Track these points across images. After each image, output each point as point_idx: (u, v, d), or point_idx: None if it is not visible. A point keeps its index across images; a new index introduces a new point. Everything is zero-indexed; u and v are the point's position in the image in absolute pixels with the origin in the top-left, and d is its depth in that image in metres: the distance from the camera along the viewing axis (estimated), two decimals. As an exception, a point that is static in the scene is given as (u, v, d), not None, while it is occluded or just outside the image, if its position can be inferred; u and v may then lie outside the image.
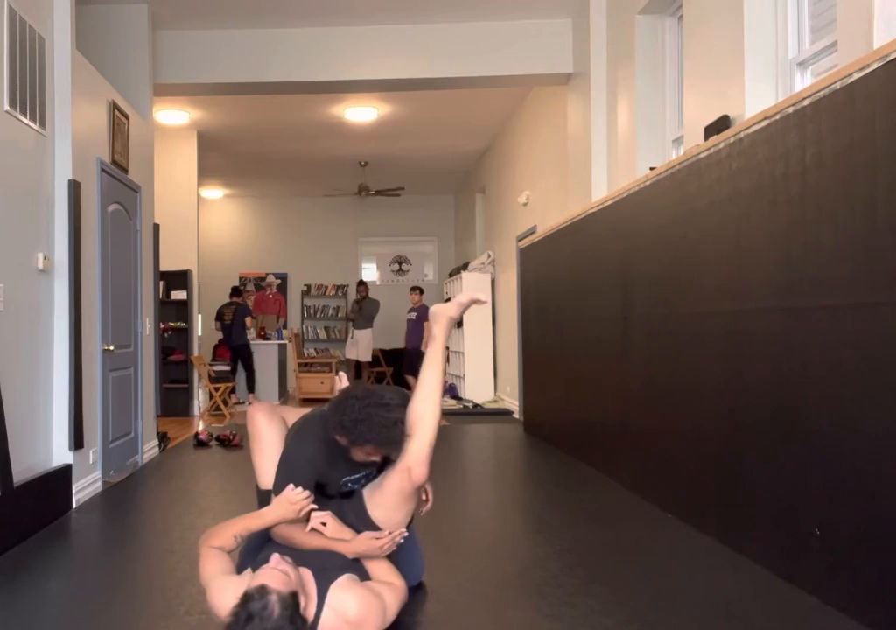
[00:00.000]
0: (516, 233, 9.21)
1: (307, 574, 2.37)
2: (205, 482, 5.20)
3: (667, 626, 2.60)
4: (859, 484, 2.60)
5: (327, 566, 2.43)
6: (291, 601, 2.10)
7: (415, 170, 12.11)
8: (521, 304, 7.81)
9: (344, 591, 2.35)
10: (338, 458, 2.66)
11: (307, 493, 2.58)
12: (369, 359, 11.43)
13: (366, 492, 2.72)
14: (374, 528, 2.65)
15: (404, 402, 2.65)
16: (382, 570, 2.57)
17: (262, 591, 2.08)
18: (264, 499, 2.75)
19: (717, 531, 3.55)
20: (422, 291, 10.80)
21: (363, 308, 11.26)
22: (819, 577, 2.81)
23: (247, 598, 2.07)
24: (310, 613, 2.27)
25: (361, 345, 11.22)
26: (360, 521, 2.67)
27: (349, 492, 2.76)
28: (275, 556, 2.27)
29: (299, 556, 2.43)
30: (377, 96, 8.34)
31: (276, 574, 2.17)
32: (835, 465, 2.72)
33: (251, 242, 14.24)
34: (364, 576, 2.52)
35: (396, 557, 2.71)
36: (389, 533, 2.58)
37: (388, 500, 2.66)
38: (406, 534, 2.59)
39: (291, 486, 2.57)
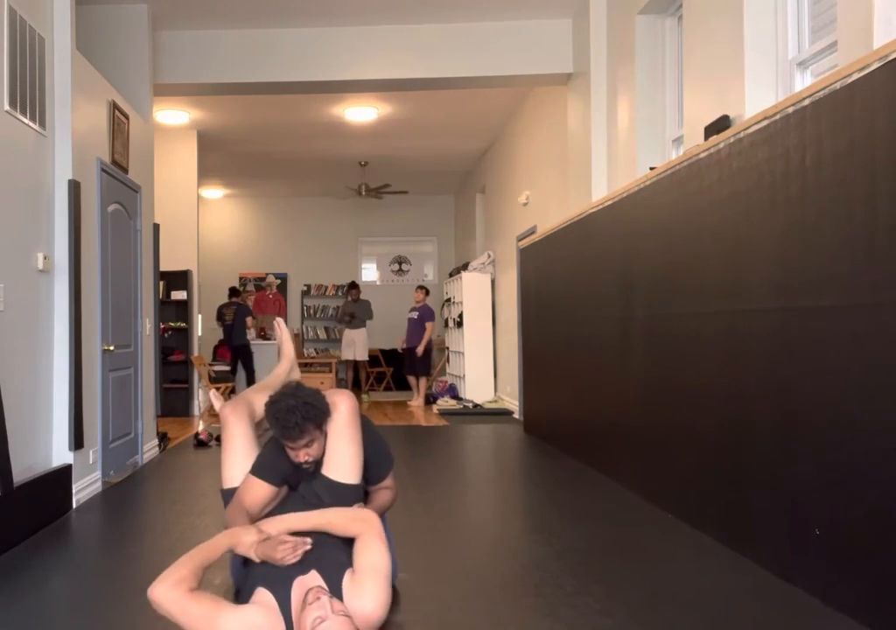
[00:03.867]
0: (516, 233, 9.21)
1: (317, 578, 2.36)
2: (205, 482, 5.20)
3: (667, 626, 2.60)
4: (859, 484, 2.60)
5: (328, 562, 2.41)
6: None
7: (415, 170, 12.11)
8: (521, 304, 7.81)
9: (357, 588, 2.35)
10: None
11: (259, 533, 2.50)
12: (367, 358, 11.44)
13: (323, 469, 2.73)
14: (346, 489, 2.67)
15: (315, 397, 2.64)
16: (373, 555, 2.47)
17: None
18: (227, 497, 2.81)
19: (717, 531, 3.55)
20: (427, 292, 10.81)
21: (357, 309, 11.28)
22: (819, 578, 2.81)
23: None
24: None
25: (359, 344, 11.23)
26: (331, 493, 2.68)
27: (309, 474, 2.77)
28: (319, 597, 2.22)
29: (302, 558, 2.40)
30: (377, 96, 8.34)
31: (342, 621, 2.17)
32: (835, 464, 2.72)
33: (251, 242, 14.24)
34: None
35: None
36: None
37: (334, 455, 2.69)
38: (308, 545, 2.45)
39: (243, 528, 2.53)
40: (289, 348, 3.42)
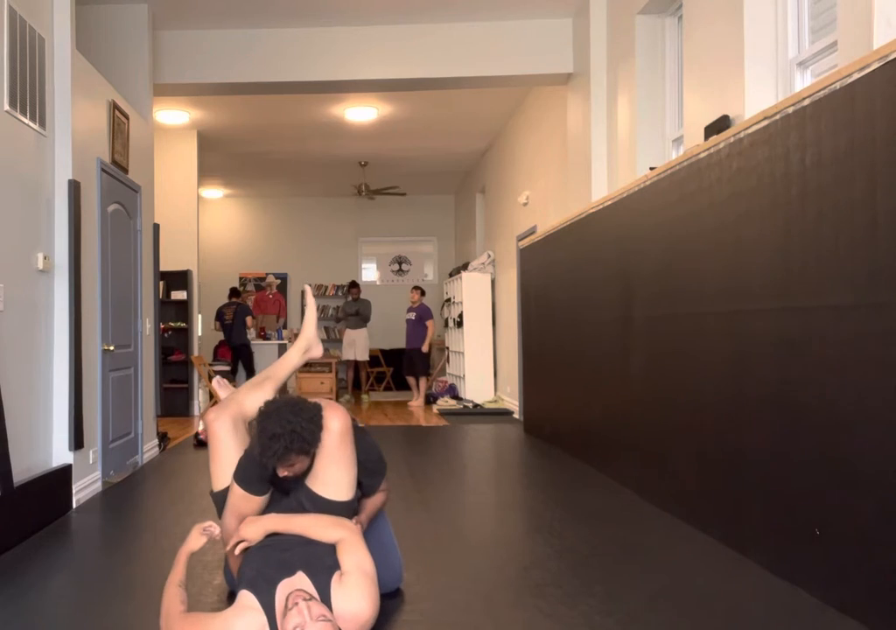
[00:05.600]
0: (516, 233, 9.21)
1: (304, 580, 2.35)
2: (205, 482, 5.20)
3: (667, 626, 2.60)
4: (859, 484, 2.60)
5: (316, 563, 2.41)
6: None
7: (415, 170, 12.11)
8: (521, 304, 7.81)
9: (345, 590, 2.34)
10: None
11: (213, 526, 2.60)
12: (367, 358, 11.45)
13: (307, 480, 2.69)
14: (333, 505, 2.62)
15: (307, 417, 2.54)
16: (358, 558, 2.47)
17: None
18: (216, 499, 2.79)
19: (718, 531, 3.55)
20: (423, 292, 10.81)
21: (357, 308, 11.28)
22: (819, 577, 2.81)
23: None
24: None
25: (359, 344, 11.24)
26: (316, 506, 2.64)
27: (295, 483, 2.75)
28: (297, 603, 2.21)
29: (288, 560, 2.40)
30: (377, 96, 8.35)
31: (321, 627, 2.16)
32: (835, 464, 2.72)
33: (251, 242, 14.24)
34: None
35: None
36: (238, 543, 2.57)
37: (322, 473, 2.62)
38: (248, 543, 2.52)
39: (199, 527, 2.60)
40: (310, 323, 3.18)
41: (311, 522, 2.55)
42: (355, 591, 2.33)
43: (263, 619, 2.27)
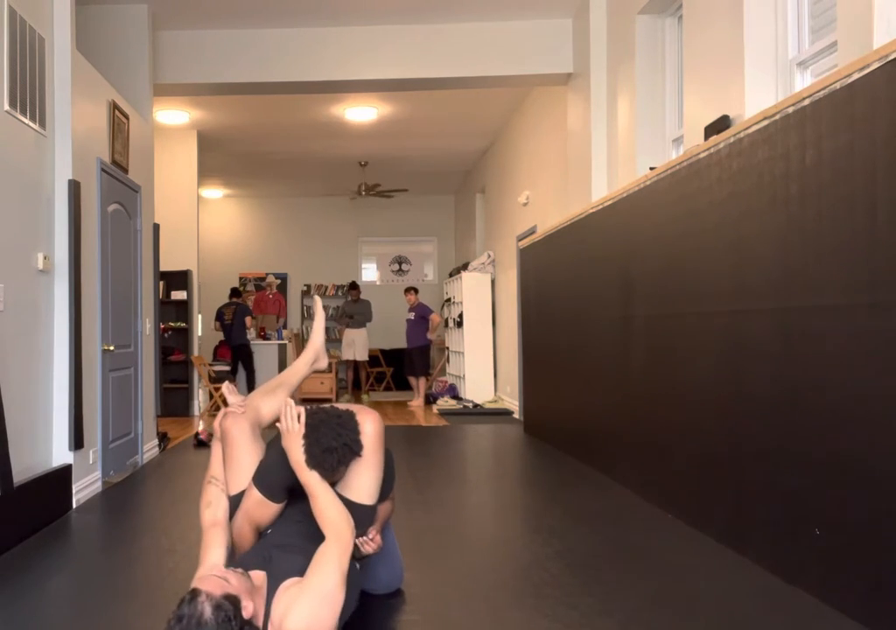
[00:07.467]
0: (516, 233, 9.21)
1: (260, 578, 2.31)
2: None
3: (667, 626, 2.60)
4: (860, 483, 2.60)
5: (284, 569, 2.35)
6: (227, 604, 2.08)
7: (415, 170, 12.11)
8: (521, 304, 7.81)
9: (287, 602, 2.24)
10: None
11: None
12: (367, 358, 11.45)
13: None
14: (357, 508, 2.60)
15: (351, 429, 2.57)
16: (325, 576, 2.34)
17: (193, 593, 2.09)
18: (233, 502, 2.75)
19: (718, 531, 3.55)
20: (416, 291, 10.83)
21: (357, 309, 11.29)
22: (819, 577, 2.81)
23: (180, 602, 2.09)
24: (258, 619, 2.20)
25: (359, 344, 11.25)
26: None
27: None
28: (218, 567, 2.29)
29: (274, 558, 2.39)
30: (377, 96, 8.35)
31: (210, 578, 2.16)
32: (835, 464, 2.72)
33: (251, 242, 14.24)
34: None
35: (371, 562, 2.70)
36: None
37: (353, 476, 2.62)
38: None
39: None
40: (318, 335, 3.21)
41: (335, 515, 2.44)
42: (300, 607, 2.22)
43: (226, 574, 2.23)
